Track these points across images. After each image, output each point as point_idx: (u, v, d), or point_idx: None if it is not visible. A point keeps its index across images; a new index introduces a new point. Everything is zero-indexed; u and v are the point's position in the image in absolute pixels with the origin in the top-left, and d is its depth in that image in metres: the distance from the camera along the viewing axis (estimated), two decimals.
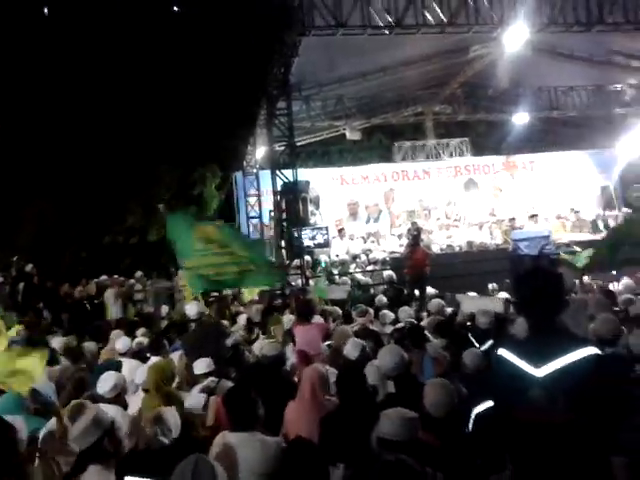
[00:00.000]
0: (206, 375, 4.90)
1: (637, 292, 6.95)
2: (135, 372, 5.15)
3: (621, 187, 18.70)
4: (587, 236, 14.11)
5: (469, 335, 5.52)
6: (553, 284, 2.40)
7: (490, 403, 2.50)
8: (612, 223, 15.11)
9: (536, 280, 2.42)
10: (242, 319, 7.98)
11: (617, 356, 3.59)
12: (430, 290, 10.76)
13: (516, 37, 11.44)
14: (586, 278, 8.98)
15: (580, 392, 2.13)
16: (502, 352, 2.36)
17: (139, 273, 13.08)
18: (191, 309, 7.04)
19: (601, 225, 15.13)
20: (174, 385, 4.73)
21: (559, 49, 15.60)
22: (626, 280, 8.48)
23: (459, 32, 11.25)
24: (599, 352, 2.22)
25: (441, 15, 10.53)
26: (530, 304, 2.40)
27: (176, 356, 5.53)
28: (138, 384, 4.95)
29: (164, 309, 10.54)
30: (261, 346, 5.41)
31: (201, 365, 4.97)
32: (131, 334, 7.00)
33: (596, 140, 19.75)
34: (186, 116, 20.15)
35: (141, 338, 6.69)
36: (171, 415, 3.46)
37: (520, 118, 18.07)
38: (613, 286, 8.97)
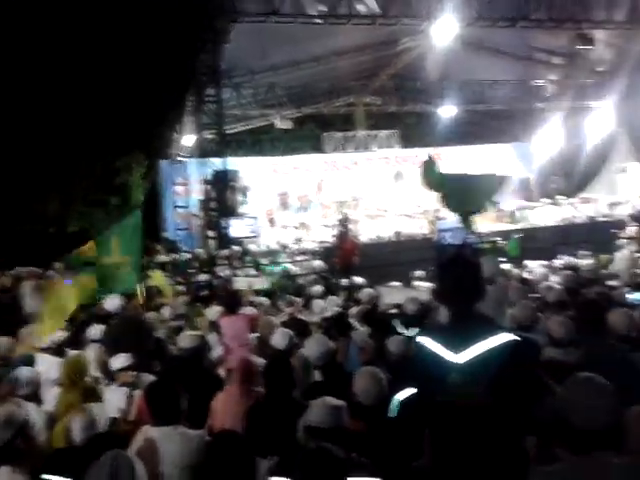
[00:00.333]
0: (125, 370, 4.73)
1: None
2: (51, 367, 4.93)
3: (539, 178, 19.55)
4: (507, 226, 14.67)
5: (394, 323, 5.59)
6: (472, 273, 2.43)
7: (412, 390, 2.53)
8: (530, 214, 15.78)
9: (455, 269, 2.45)
10: (166, 311, 7.76)
11: (531, 341, 3.72)
12: (359, 280, 10.85)
13: (444, 31, 11.69)
14: (507, 266, 9.32)
15: (497, 376, 2.17)
16: (422, 339, 2.38)
17: (58, 264, 12.47)
18: (112, 303, 6.77)
19: (519, 215, 15.76)
20: (90, 378, 4.57)
21: (486, 44, 16.08)
22: (541, 269, 8.86)
23: (389, 24, 11.38)
24: (516, 338, 2.27)
25: (372, 6, 10.59)
26: (450, 292, 2.43)
27: (92, 349, 5.31)
28: (54, 379, 4.74)
29: None
30: (187, 338, 5.27)
31: (118, 360, 4.79)
32: None
33: (518, 133, 20.54)
34: (110, 102, 19.40)
35: (59, 333, 6.39)
36: (91, 411, 3.34)
37: (447, 111, 18.51)
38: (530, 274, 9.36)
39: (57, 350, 5.68)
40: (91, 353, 5.18)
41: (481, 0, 11.30)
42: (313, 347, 4.31)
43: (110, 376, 4.91)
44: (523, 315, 4.48)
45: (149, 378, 4.66)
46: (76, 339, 5.71)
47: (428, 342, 2.34)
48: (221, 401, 4.10)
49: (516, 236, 11.96)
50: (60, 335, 6.19)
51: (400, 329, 5.33)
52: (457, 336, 2.28)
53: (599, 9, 12.07)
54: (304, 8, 10.29)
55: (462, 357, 2.22)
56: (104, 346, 5.49)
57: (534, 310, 4.68)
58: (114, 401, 4.21)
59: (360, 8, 10.58)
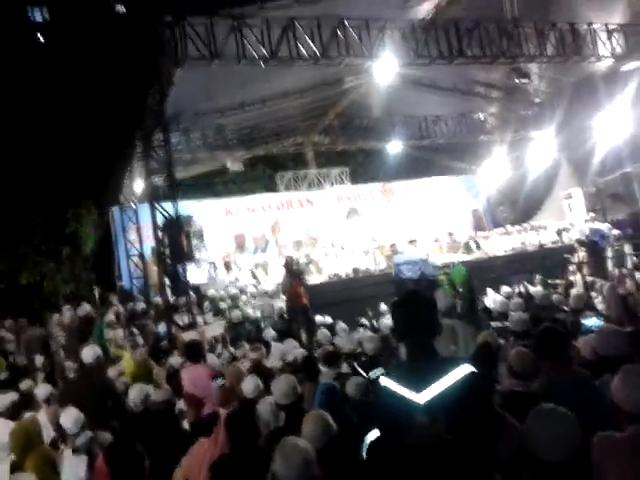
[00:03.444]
0: (81, 429, 4.53)
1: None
2: (3, 433, 4.68)
3: (488, 208, 20.10)
4: (461, 257, 14.92)
5: (355, 364, 5.57)
6: (426, 309, 2.44)
7: (377, 432, 2.50)
8: (483, 243, 16.12)
9: (410, 306, 2.45)
10: (122, 364, 7.54)
11: (488, 374, 3.74)
12: (324, 319, 10.82)
13: (385, 69, 12.01)
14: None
15: (458, 412, 2.17)
16: (384, 381, 2.37)
17: (9, 321, 12.01)
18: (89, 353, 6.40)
19: (473, 246, 16.08)
20: (48, 442, 4.36)
21: (425, 81, 16.62)
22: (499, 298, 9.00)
23: (331, 64, 11.59)
24: (473, 370, 2.27)
25: (313, 47, 10.81)
26: (405, 329, 2.42)
27: (44, 412, 5.08)
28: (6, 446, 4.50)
29: (38, 359, 9.73)
30: (141, 392, 5.10)
31: (68, 422, 4.57)
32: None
33: (464, 165, 21.18)
34: (57, 152, 19.12)
35: (11, 394, 6.12)
36: None
37: (394, 147, 18.93)
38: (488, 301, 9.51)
39: (10, 414, 5.44)
40: (47, 415, 4.96)
41: (418, 39, 11.67)
42: (279, 386, 4.22)
43: (65, 438, 4.71)
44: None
45: (106, 437, 4.50)
46: (27, 403, 5.47)
47: (390, 383, 2.32)
48: (197, 454, 3.99)
49: (459, 264, 11.98)
50: (11, 397, 5.93)
51: (360, 370, 5.31)
52: (417, 375, 2.27)
53: (530, 44, 12.64)
54: (246, 51, 10.40)
55: (424, 396, 2.21)
56: (59, 404, 5.29)
57: (496, 341, 4.71)
58: (73, 471, 4.02)
59: (302, 50, 10.77)
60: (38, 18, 29.66)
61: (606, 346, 3.59)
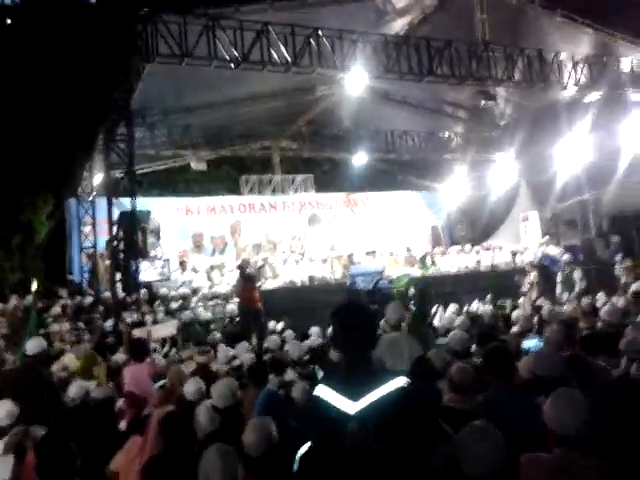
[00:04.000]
0: (15, 424, 4.40)
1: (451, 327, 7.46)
2: None
3: (448, 226, 20.40)
4: (417, 271, 15.09)
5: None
6: (364, 320, 2.45)
7: (310, 443, 2.49)
8: (439, 260, 16.34)
9: (347, 316, 2.46)
10: (66, 359, 7.36)
11: (428, 387, 3.77)
12: (276, 325, 10.76)
13: (356, 82, 12.11)
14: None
15: (389, 423, 2.18)
16: (319, 391, 2.37)
17: None
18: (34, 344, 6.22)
19: (429, 261, 16.28)
20: None
21: (395, 96, 16.83)
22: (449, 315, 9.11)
23: (302, 72, 11.64)
24: (408, 383, 2.29)
25: (286, 54, 10.83)
26: (342, 340, 2.43)
27: None
28: None
29: None
30: (81, 388, 4.98)
31: (1, 414, 4.44)
32: None
33: (427, 182, 21.46)
34: (16, 139, 18.60)
35: None
36: None
37: (360, 158, 19.06)
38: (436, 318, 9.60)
39: None
40: None
41: (389, 54, 11.81)
42: (218, 388, 4.18)
43: None
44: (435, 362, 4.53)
45: (40, 432, 4.36)
46: None
47: (325, 392, 2.32)
48: (129, 451, 3.94)
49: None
50: None
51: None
52: (353, 384, 2.28)
53: (499, 68, 12.95)
54: (218, 52, 10.35)
55: (357, 406, 2.21)
56: None
57: (444, 358, 4.73)
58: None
59: (274, 55, 10.77)
60: (7, 0, 28.95)
61: (543, 367, 3.67)
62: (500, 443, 2.40)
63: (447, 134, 19.27)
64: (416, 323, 6.28)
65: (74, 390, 5.06)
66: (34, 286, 9.55)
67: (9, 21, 28.00)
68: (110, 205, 10.67)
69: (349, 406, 2.23)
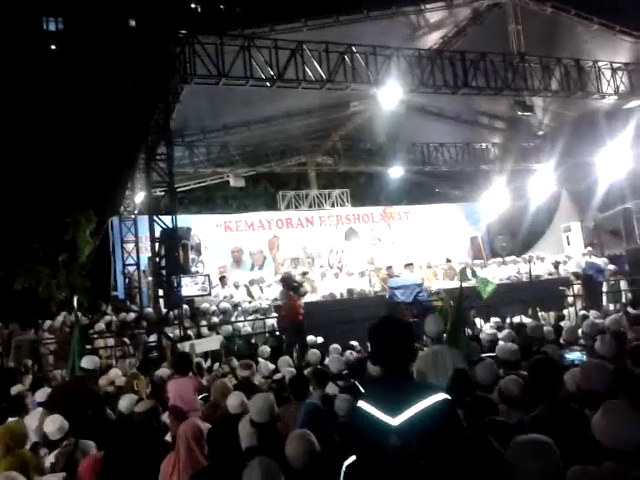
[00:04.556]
0: (65, 437, 4.53)
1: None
2: None
3: (488, 237, 20.15)
4: (457, 284, 14.86)
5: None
6: (401, 335, 2.47)
7: (354, 456, 2.50)
8: (479, 271, 16.10)
9: (385, 330, 2.48)
10: (112, 373, 7.53)
11: (479, 400, 3.73)
12: (316, 339, 10.78)
13: (390, 96, 12.15)
14: None
15: (430, 437, 2.19)
16: (361, 404, 2.39)
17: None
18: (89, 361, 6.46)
19: (469, 274, 16.05)
20: (28, 446, 4.36)
21: (430, 108, 16.81)
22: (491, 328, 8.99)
23: (337, 89, 11.74)
24: (447, 397, 2.30)
25: (320, 71, 10.95)
26: (381, 353, 2.45)
27: (34, 415, 5.08)
28: None
29: (27, 364, 9.72)
30: (130, 400, 5.10)
31: (51, 429, 4.58)
32: None
33: (465, 193, 21.29)
34: (61, 159, 19.26)
35: None
36: None
37: (395, 171, 19.04)
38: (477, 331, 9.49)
39: None
40: (34, 419, 4.97)
41: (423, 68, 11.83)
42: (256, 404, 4.20)
43: (49, 443, 4.71)
44: (484, 375, 4.52)
45: (89, 445, 4.49)
46: (16, 405, 5.47)
47: (366, 406, 2.35)
48: (169, 464, 3.98)
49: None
50: None
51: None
52: (393, 398, 2.29)
53: (535, 78, 12.83)
54: (254, 71, 10.53)
55: (398, 420, 2.23)
56: (46, 409, 5.30)
57: (494, 370, 4.70)
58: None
59: (309, 73, 10.91)
60: (52, 27, 30.12)
61: (589, 381, 3.60)
62: (554, 457, 2.36)
63: (484, 145, 19.11)
64: (457, 336, 6.20)
65: (125, 403, 5.16)
66: (75, 302, 9.80)
67: (53, 47, 29.17)
68: (152, 223, 10.91)
69: (390, 420, 2.25)
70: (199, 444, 3.98)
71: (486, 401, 3.93)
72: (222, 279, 14.71)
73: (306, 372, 6.67)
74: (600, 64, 13.46)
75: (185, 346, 8.46)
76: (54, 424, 4.64)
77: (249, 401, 4.33)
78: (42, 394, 5.96)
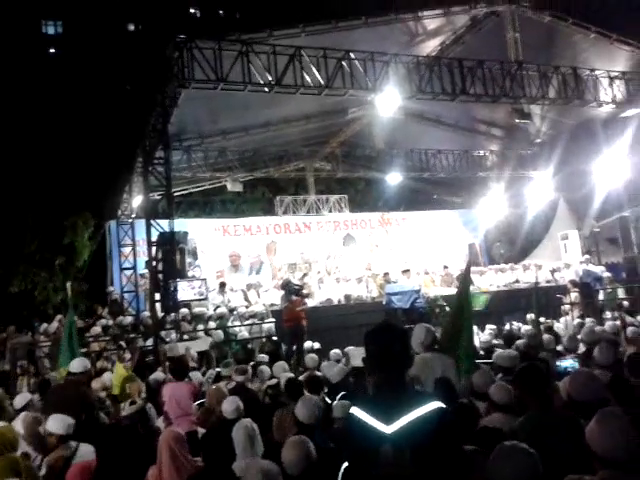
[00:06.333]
0: (64, 438, 4.46)
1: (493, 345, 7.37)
2: None
3: (485, 244, 20.17)
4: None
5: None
6: (398, 341, 2.45)
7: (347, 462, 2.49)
8: (477, 278, 16.11)
9: (381, 337, 2.46)
10: (106, 377, 7.51)
11: (462, 410, 3.72)
12: (314, 345, 10.75)
13: (388, 102, 12.17)
14: None
15: (424, 445, 2.18)
16: (354, 411, 2.37)
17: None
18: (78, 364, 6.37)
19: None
20: (20, 451, 4.32)
21: (428, 115, 16.85)
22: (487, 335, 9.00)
23: (335, 94, 11.76)
24: (442, 406, 2.28)
25: (318, 77, 10.98)
26: (376, 360, 2.43)
27: (19, 420, 5.03)
28: None
29: (22, 366, 9.69)
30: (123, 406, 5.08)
31: (59, 425, 4.49)
32: None
33: (462, 200, 21.32)
34: (59, 163, 19.25)
35: None
36: None
37: (393, 178, 19.06)
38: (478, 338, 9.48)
39: None
40: (19, 424, 4.91)
41: (422, 75, 11.87)
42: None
43: (42, 448, 4.66)
44: (479, 382, 4.51)
45: (88, 449, 4.44)
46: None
47: (360, 413, 2.33)
48: (154, 475, 3.96)
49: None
50: None
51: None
52: (387, 406, 2.27)
53: (533, 86, 12.87)
54: (252, 77, 10.55)
55: (392, 427, 2.21)
56: (42, 413, 5.25)
57: (490, 377, 4.69)
58: None
59: (307, 78, 10.93)
60: (51, 31, 30.18)
61: (579, 390, 3.58)
62: (531, 462, 2.36)
63: (482, 152, 19.15)
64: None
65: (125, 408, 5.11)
66: (69, 289, 9.73)
67: (53, 50, 29.22)
68: (149, 226, 10.90)
69: (384, 427, 2.24)
70: (183, 448, 3.97)
71: (468, 409, 3.93)
72: (222, 285, 14.66)
73: (301, 377, 6.67)
74: (597, 72, 13.53)
75: (179, 347, 8.46)
76: (60, 421, 4.54)
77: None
78: (22, 400, 5.85)
